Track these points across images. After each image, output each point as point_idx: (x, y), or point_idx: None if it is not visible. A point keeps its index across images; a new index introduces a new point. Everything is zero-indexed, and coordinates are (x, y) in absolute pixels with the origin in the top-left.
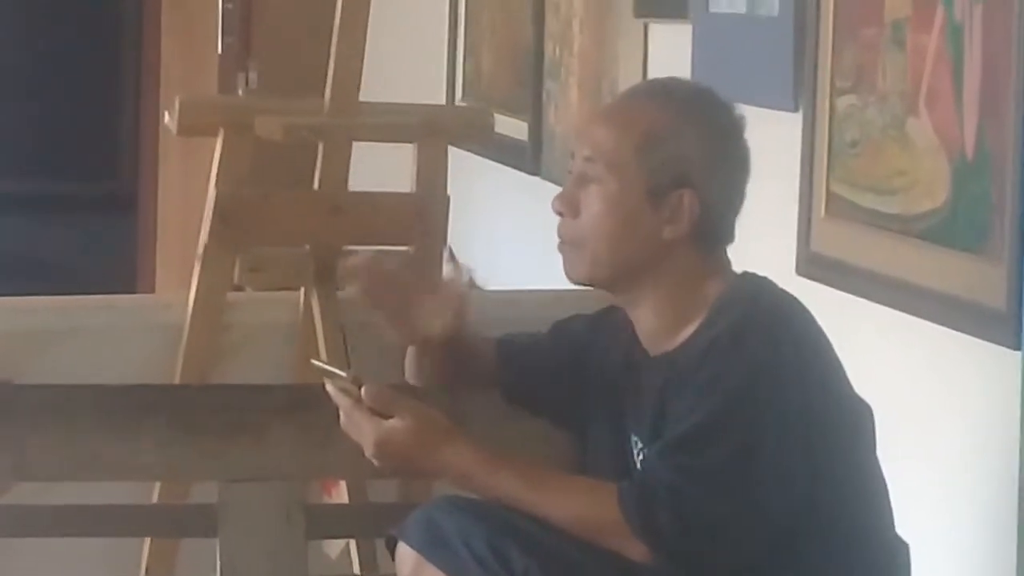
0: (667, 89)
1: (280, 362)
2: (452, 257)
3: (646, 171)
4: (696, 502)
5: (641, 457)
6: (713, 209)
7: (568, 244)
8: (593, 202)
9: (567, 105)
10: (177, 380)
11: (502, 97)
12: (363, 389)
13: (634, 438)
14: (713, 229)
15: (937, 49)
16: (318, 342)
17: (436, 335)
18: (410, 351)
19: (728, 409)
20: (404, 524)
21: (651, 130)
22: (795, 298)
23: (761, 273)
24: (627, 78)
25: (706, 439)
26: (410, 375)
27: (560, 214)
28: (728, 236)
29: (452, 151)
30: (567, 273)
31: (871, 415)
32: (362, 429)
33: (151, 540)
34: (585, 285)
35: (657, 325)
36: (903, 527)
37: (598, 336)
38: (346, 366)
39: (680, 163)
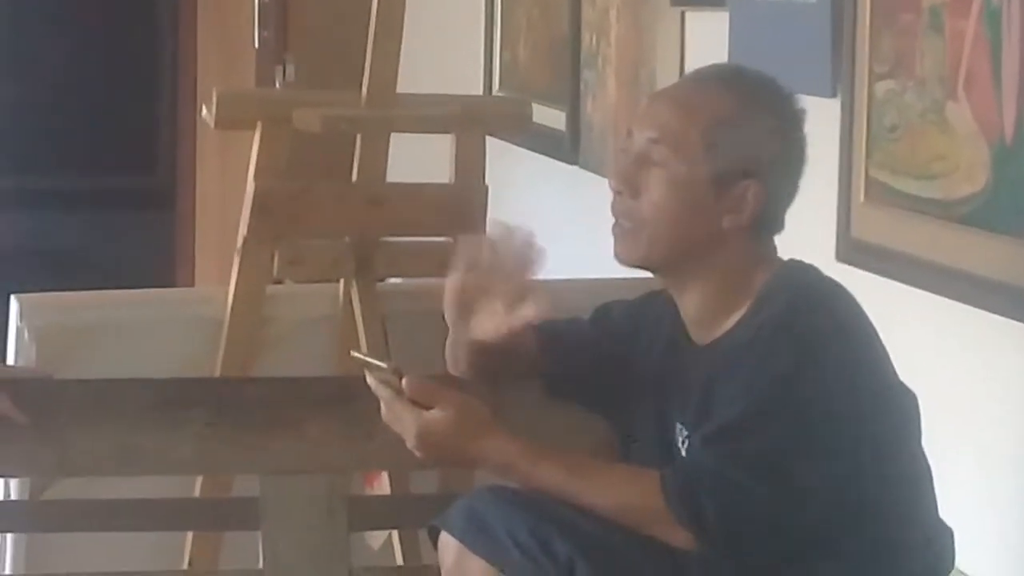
0: (736, 77)
1: (320, 354)
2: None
3: (714, 159)
4: (740, 489)
5: (686, 445)
6: (774, 202)
7: (625, 224)
8: (656, 185)
9: (605, 94)
10: (218, 373)
11: (539, 87)
12: (404, 380)
13: (679, 426)
14: (770, 221)
15: (975, 33)
16: (358, 334)
17: (487, 338)
18: (450, 340)
19: (774, 397)
20: (446, 514)
21: (721, 118)
22: (840, 285)
23: (802, 260)
24: (665, 67)
25: (751, 427)
26: (451, 366)
27: (618, 192)
28: (780, 226)
29: (490, 141)
30: (620, 254)
31: (916, 403)
32: (403, 420)
33: (194, 533)
34: (638, 267)
35: (704, 312)
36: (947, 512)
37: (640, 323)
38: (387, 357)
39: (748, 154)
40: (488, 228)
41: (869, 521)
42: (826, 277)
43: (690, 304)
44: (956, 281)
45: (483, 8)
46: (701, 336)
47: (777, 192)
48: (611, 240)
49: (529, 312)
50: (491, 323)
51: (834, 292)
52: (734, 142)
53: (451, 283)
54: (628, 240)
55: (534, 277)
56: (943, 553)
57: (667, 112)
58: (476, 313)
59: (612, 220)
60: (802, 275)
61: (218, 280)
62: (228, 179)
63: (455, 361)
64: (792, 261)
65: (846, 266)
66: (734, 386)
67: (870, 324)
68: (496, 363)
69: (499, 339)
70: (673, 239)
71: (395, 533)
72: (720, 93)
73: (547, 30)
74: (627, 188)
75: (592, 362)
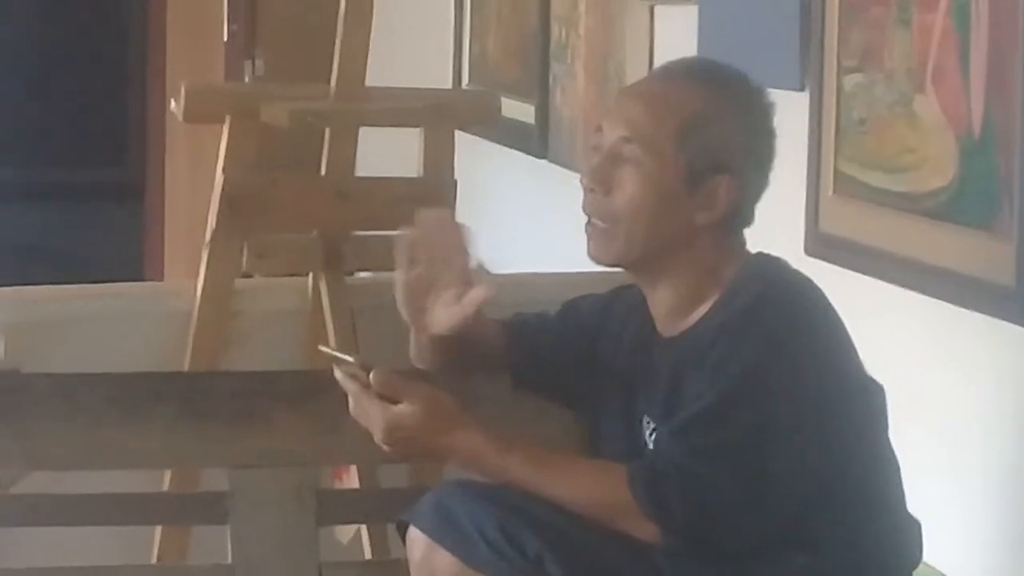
0: (706, 72)
1: (289, 348)
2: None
3: (685, 156)
4: (707, 482)
5: (653, 438)
6: (746, 196)
7: (599, 222)
8: (629, 183)
9: (574, 88)
10: (186, 367)
11: (508, 80)
12: (372, 374)
13: (646, 419)
14: (741, 215)
15: (943, 27)
16: (327, 328)
17: (446, 330)
18: (413, 336)
19: (741, 389)
20: (415, 509)
21: (692, 115)
22: (808, 278)
23: (770, 253)
24: (634, 60)
25: (718, 419)
26: (415, 359)
27: (591, 190)
28: (751, 220)
29: (458, 135)
30: (594, 253)
31: (883, 396)
32: (371, 414)
33: (162, 528)
34: (613, 266)
35: (673, 306)
36: (914, 505)
37: (609, 317)
38: (355, 351)
39: (719, 149)
40: (415, 220)
41: (836, 513)
42: (794, 270)
43: (660, 298)
44: (924, 275)
45: (452, 1)
46: (669, 329)
47: (748, 186)
48: (580, 233)
49: (478, 294)
50: (446, 314)
51: (802, 285)
52: (705, 138)
53: (398, 282)
54: (603, 239)
55: (471, 257)
56: (910, 545)
57: (638, 109)
58: (429, 308)
59: (583, 217)
60: (770, 268)
61: (187, 274)
62: (197, 172)
63: (420, 358)
64: (760, 254)
65: (814, 260)
66: (701, 379)
67: (838, 317)
68: (461, 356)
69: (458, 329)
70: (647, 236)
71: (364, 527)
72: (690, 88)
73: (516, 23)
74: (600, 186)
75: (560, 356)
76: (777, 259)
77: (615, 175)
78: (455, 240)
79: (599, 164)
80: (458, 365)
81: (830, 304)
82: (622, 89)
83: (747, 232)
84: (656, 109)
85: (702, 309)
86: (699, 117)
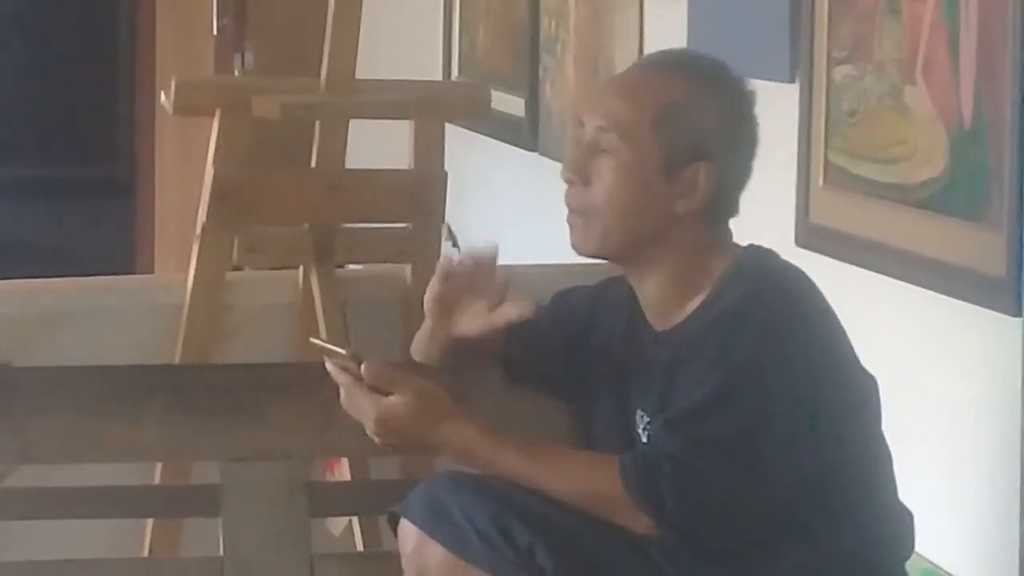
0: (683, 62)
1: (280, 341)
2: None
3: (663, 143)
4: (699, 474)
5: (647, 431)
6: (726, 184)
7: (578, 214)
8: (606, 172)
9: (563, 81)
10: (177, 360)
11: (498, 73)
12: (363, 366)
13: (640, 412)
14: (723, 204)
15: (933, 17)
16: (318, 320)
17: (468, 335)
18: (427, 331)
19: (735, 382)
20: (406, 501)
21: (669, 102)
22: (800, 270)
23: (762, 245)
24: (623, 53)
25: (711, 411)
26: (418, 355)
27: (570, 182)
28: (734, 210)
29: (448, 128)
30: (576, 244)
31: (876, 388)
32: (362, 406)
33: (154, 520)
34: (594, 257)
35: (662, 299)
36: (905, 495)
37: (599, 309)
38: (346, 343)
39: (698, 137)
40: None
41: (829, 504)
42: (786, 262)
43: (649, 291)
44: (915, 266)
45: None
46: (661, 322)
47: (729, 174)
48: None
49: (511, 312)
50: (474, 323)
51: (794, 277)
52: (682, 125)
53: (430, 293)
54: (582, 231)
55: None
56: (903, 536)
57: (614, 100)
58: (461, 312)
59: (566, 211)
60: (762, 260)
61: (177, 267)
62: (187, 166)
63: (427, 352)
64: (752, 247)
65: (805, 251)
66: (695, 372)
67: (830, 309)
68: (468, 355)
69: (480, 337)
70: (626, 227)
71: (355, 520)
72: (667, 77)
73: (506, 16)
74: (578, 177)
75: (550, 348)
76: (769, 251)
77: (593, 166)
78: (491, 268)
79: (577, 155)
80: (461, 362)
81: (823, 296)
82: (602, 82)
83: (737, 223)
84: (633, 99)
85: (694, 303)
86: (675, 105)
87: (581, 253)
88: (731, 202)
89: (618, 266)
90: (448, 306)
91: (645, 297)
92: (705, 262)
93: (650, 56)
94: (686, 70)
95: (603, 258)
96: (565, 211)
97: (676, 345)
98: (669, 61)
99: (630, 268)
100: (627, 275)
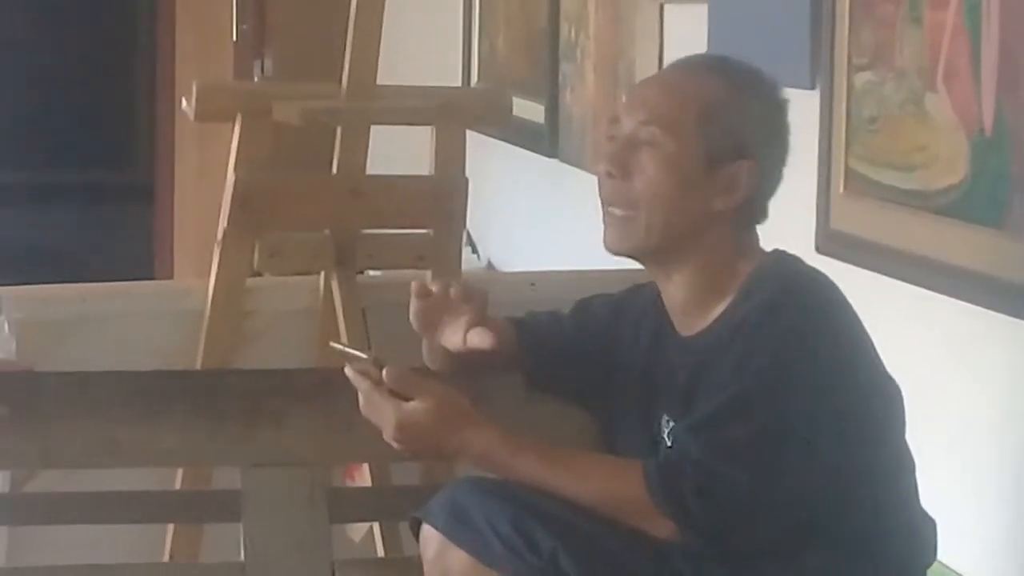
0: (722, 64)
1: (301, 347)
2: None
3: (707, 138)
4: (723, 480)
5: (671, 435)
6: (764, 185)
7: (617, 209)
8: (649, 164)
9: (583, 87)
10: (198, 366)
11: (518, 79)
12: (384, 371)
13: (665, 417)
14: (757, 206)
15: (954, 24)
16: (338, 326)
17: (455, 349)
18: (425, 341)
19: (759, 386)
20: (428, 506)
21: (713, 99)
22: (826, 276)
23: (786, 251)
24: (643, 59)
25: (735, 415)
26: (428, 361)
27: (609, 175)
28: (764, 215)
29: (469, 134)
30: (611, 242)
31: (901, 394)
32: (382, 411)
33: (175, 526)
34: (628, 255)
35: (689, 302)
36: (928, 503)
37: (624, 316)
38: (367, 348)
39: (741, 135)
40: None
41: (852, 511)
42: (811, 268)
43: (675, 294)
44: (936, 272)
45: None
46: (687, 327)
47: (767, 175)
48: (590, 232)
49: (475, 341)
50: (456, 338)
51: (820, 283)
52: (726, 122)
53: (412, 308)
54: (621, 227)
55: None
56: (925, 544)
57: (657, 95)
58: (444, 326)
59: (593, 215)
60: (788, 266)
61: (197, 273)
62: (207, 172)
63: (431, 362)
64: (777, 251)
65: (825, 257)
66: (720, 376)
67: (856, 315)
68: (474, 365)
69: (464, 352)
70: (667, 222)
71: (376, 525)
72: (709, 78)
73: (526, 22)
74: (618, 170)
75: (572, 355)
76: (794, 257)
77: (634, 159)
78: (463, 298)
79: (618, 149)
80: (470, 364)
81: (848, 302)
82: (640, 80)
83: (759, 229)
84: (676, 94)
85: (720, 306)
86: (720, 103)
87: (616, 252)
88: (764, 206)
89: (647, 266)
90: (430, 321)
91: (671, 300)
92: (733, 265)
93: (690, 58)
94: (727, 73)
95: (635, 257)
96: (585, 217)
97: (701, 350)
98: (709, 63)
99: (659, 269)
100: (655, 276)
